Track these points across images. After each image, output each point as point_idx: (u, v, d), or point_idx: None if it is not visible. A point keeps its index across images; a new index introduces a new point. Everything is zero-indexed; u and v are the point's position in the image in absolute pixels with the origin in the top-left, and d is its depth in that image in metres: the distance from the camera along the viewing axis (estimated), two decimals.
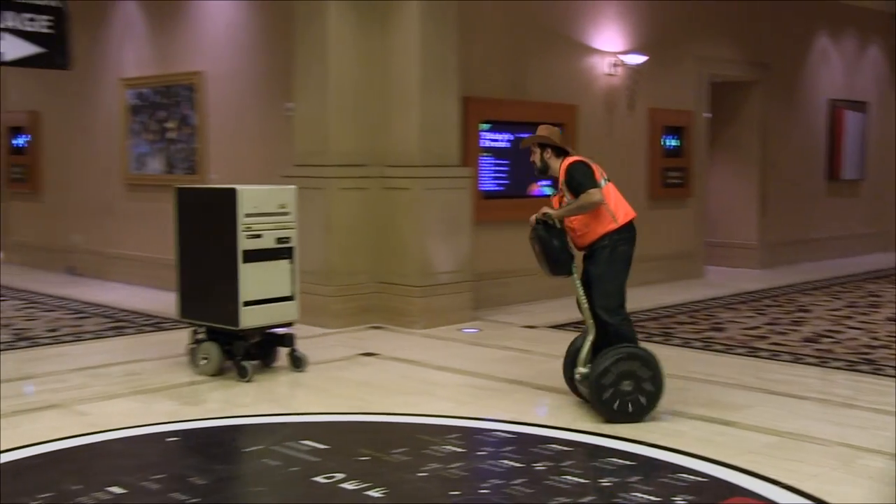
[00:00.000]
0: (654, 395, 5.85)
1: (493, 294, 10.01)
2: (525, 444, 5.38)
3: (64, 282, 12.27)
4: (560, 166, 6.10)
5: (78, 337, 8.66)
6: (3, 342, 8.37)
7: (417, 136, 8.98)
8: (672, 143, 12.41)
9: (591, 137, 11.14)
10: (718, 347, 8.26)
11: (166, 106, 11.43)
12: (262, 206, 7.00)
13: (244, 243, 6.87)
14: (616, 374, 5.77)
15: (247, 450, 5.38)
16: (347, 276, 9.03)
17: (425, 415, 6.00)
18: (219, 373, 7.10)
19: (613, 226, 6.00)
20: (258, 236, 6.95)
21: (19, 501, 4.44)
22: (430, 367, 7.43)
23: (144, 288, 11.55)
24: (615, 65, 11.43)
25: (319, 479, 4.74)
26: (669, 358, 7.73)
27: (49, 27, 10.17)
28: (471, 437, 5.61)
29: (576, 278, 6.06)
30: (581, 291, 6.05)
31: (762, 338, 8.67)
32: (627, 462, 5.08)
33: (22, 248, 14.09)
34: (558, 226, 6.04)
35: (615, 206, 6.04)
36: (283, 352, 7.40)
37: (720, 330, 9.07)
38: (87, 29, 11.87)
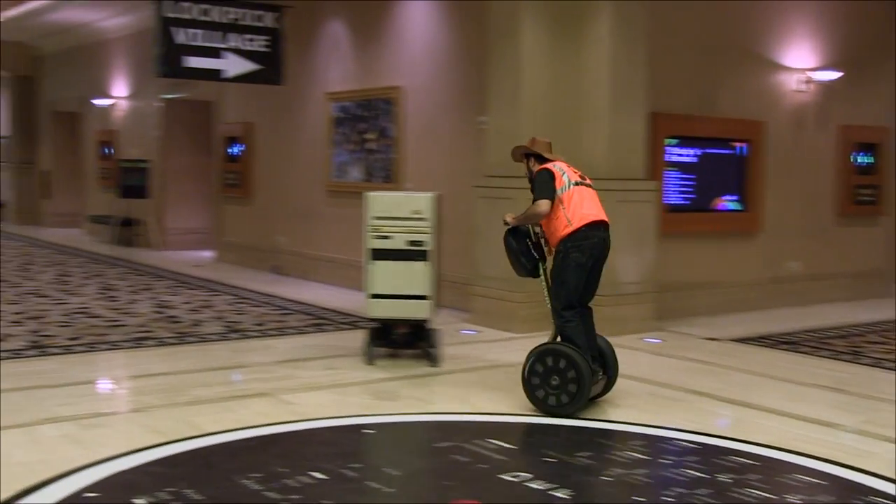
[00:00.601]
0: (577, 394, 5.94)
1: (676, 306, 9.79)
2: (708, 455, 5.23)
3: (270, 280, 12.75)
4: None
5: (282, 331, 8.97)
6: (217, 333, 8.76)
7: (606, 150, 8.88)
8: (864, 159, 11.83)
9: (780, 153, 10.77)
10: None
11: (367, 118, 11.72)
12: (393, 210, 7.40)
13: (372, 243, 7.40)
14: (544, 368, 6.02)
15: (437, 445, 5.44)
16: (534, 283, 8.97)
17: (609, 420, 5.92)
18: (369, 361, 7.50)
19: (568, 230, 6.12)
20: (387, 237, 7.37)
21: (233, 478, 4.63)
22: (631, 378, 7.30)
23: (342, 288, 11.85)
24: (805, 81, 11.00)
25: (507, 476, 4.74)
26: (856, 376, 7.38)
27: (266, 46, 10.64)
28: (654, 445, 5.49)
29: (541, 280, 6.29)
30: (545, 292, 6.28)
31: None
32: (816, 480, 4.86)
33: (233, 247, 14.73)
34: (523, 230, 6.29)
35: (573, 211, 6.15)
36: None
37: None
38: (296, 47, 12.31)
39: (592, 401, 6.24)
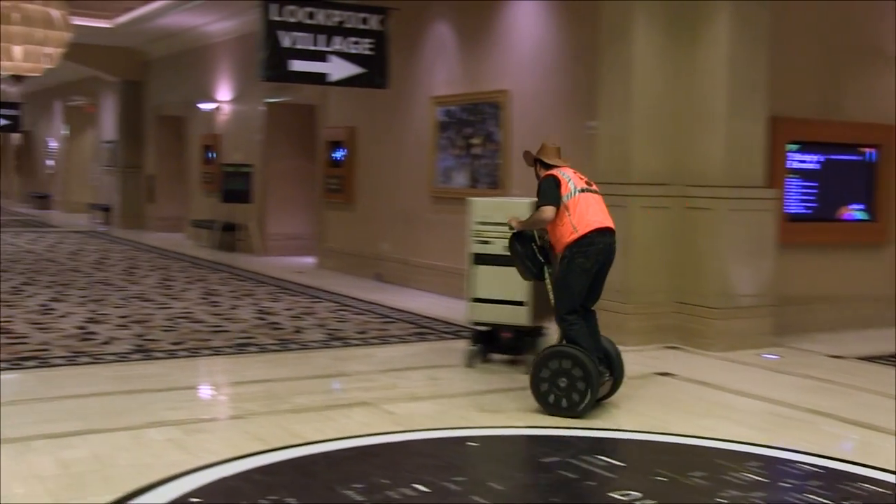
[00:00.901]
0: (585, 393, 6.15)
1: (797, 320, 9.55)
2: (833, 480, 5.08)
3: (372, 287, 12.88)
4: None
5: (384, 340, 9.05)
6: (319, 341, 8.88)
7: (722, 156, 8.74)
8: None
9: None
10: None
11: (473, 123, 11.75)
12: (494, 215, 7.59)
13: (474, 247, 7.66)
14: (551, 371, 6.23)
15: (544, 460, 5.41)
16: (646, 294, 8.91)
17: (723, 439, 5.80)
18: (468, 364, 7.78)
19: (574, 237, 6.33)
20: (488, 242, 7.61)
21: (335, 489, 4.68)
22: (728, 391, 7.19)
23: (445, 296, 11.91)
24: None
25: (616, 495, 4.69)
26: None
27: (371, 49, 10.76)
28: (772, 467, 5.37)
29: (547, 282, 6.57)
30: (550, 295, 6.53)
31: None
32: None
33: (335, 254, 14.92)
34: (528, 234, 6.61)
35: (578, 218, 6.36)
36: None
37: None
38: (401, 50, 12.43)
39: (599, 402, 6.47)
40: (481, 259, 7.67)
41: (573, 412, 6.18)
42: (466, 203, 7.83)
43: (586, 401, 6.17)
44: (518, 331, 7.71)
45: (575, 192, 6.45)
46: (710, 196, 8.77)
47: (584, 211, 6.40)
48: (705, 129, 8.86)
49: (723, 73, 8.73)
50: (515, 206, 7.54)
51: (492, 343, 7.82)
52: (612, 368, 6.58)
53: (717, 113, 8.77)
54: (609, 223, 6.49)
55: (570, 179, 6.52)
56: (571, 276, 6.34)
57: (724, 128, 8.74)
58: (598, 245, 6.36)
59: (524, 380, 7.35)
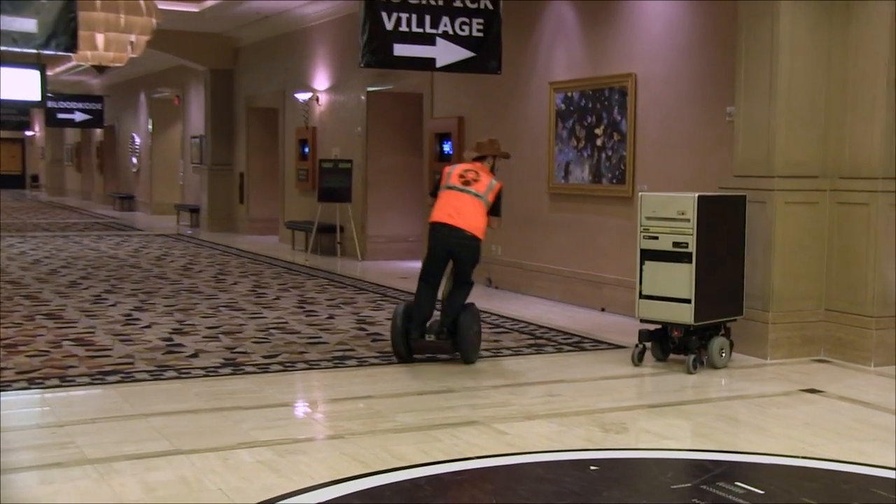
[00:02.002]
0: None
1: None
2: None
3: (482, 294, 12.90)
4: None
5: (496, 352, 9.09)
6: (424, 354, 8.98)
7: (880, 144, 8.56)
8: None
9: None
10: None
11: (596, 111, 11.73)
12: (660, 210, 8.39)
13: (643, 243, 8.50)
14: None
15: (675, 487, 5.39)
16: (791, 301, 8.78)
17: (882, 466, 5.70)
18: (635, 362, 8.51)
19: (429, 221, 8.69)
20: (655, 238, 8.41)
21: None
22: (887, 410, 7.04)
23: (563, 304, 11.91)
24: None
25: None
26: None
27: (481, 31, 10.82)
28: None
29: None
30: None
31: None
32: None
33: None
34: None
35: (434, 209, 8.64)
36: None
37: None
38: (515, 31, 12.48)
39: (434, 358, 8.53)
40: (649, 255, 8.45)
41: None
42: (638, 197, 8.72)
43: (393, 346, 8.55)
44: (687, 329, 8.28)
45: (444, 188, 8.64)
46: (866, 189, 8.60)
47: (438, 204, 8.61)
48: (861, 115, 8.69)
49: (884, 48, 8.54)
50: (678, 201, 8.29)
51: (662, 341, 8.54)
52: (459, 336, 8.44)
53: (876, 95, 8.59)
54: (447, 220, 8.47)
55: (450, 174, 8.66)
56: (427, 251, 8.70)
57: (884, 112, 8.55)
58: (436, 235, 8.57)
59: (653, 397, 7.34)
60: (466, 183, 8.57)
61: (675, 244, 8.31)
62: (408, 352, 8.53)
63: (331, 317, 10.99)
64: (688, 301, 8.22)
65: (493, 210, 8.69)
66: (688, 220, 8.23)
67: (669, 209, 8.37)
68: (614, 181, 11.42)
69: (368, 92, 17.27)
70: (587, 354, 9.10)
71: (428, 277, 8.67)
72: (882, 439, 6.33)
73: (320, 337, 9.72)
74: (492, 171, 8.82)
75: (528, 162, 12.98)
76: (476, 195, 8.56)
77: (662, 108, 10.81)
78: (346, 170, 17.42)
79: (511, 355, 9.02)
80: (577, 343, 9.56)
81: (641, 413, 6.96)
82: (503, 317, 11.08)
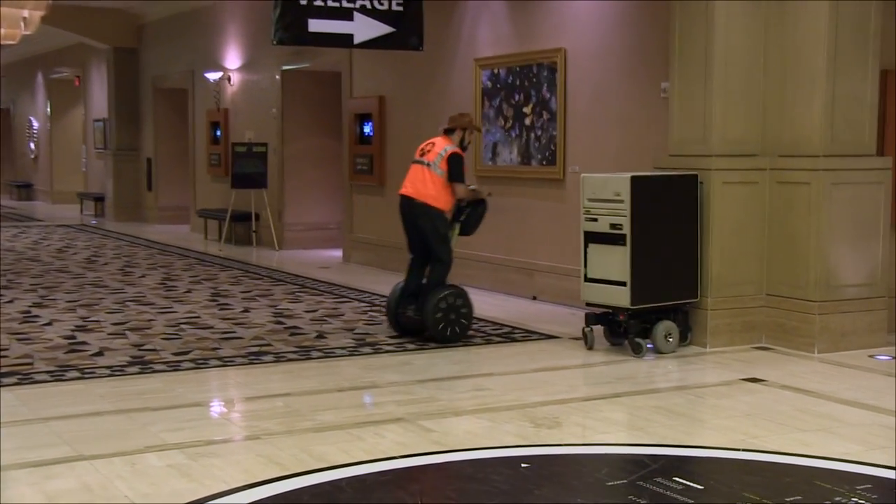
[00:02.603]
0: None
1: None
2: None
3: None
4: None
5: (422, 345, 9.07)
6: (346, 347, 8.94)
7: (821, 120, 8.65)
8: None
9: None
10: None
11: (524, 88, 11.74)
12: (599, 191, 8.59)
13: (584, 225, 8.71)
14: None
15: (610, 483, 5.41)
16: (730, 286, 8.86)
17: (826, 458, 5.77)
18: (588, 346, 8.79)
19: None
20: (595, 220, 8.62)
21: None
22: (832, 399, 7.14)
23: (496, 293, 11.92)
24: None
25: None
26: None
27: (400, 4, 10.76)
28: (887, 490, 5.32)
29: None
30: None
31: None
32: None
33: (365, 245, 14.99)
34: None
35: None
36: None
37: None
38: (438, 5, 12.43)
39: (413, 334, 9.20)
40: (591, 237, 8.70)
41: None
42: (580, 180, 8.90)
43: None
44: (632, 314, 8.48)
45: (414, 161, 9.42)
46: (807, 168, 8.69)
47: (407, 178, 9.40)
48: (801, 90, 8.77)
49: (823, 21, 8.63)
50: (614, 182, 8.51)
51: (611, 325, 8.75)
52: (422, 308, 9.10)
53: (815, 68, 8.67)
54: (404, 191, 9.33)
55: (418, 150, 9.46)
56: None
57: (824, 85, 8.64)
58: (400, 208, 9.36)
59: (587, 388, 7.37)
60: (422, 154, 9.37)
61: (612, 226, 8.50)
62: (396, 325, 9.42)
63: (246, 310, 10.90)
64: (624, 284, 8.44)
65: (451, 177, 9.22)
66: (622, 202, 8.40)
67: (606, 190, 8.57)
68: (544, 162, 11.45)
69: (283, 71, 17.14)
70: (518, 346, 9.12)
71: (411, 252, 9.50)
72: (826, 429, 6.41)
73: (234, 332, 9.63)
74: (461, 144, 9.44)
75: None
76: (427, 164, 9.26)
77: (594, 84, 10.84)
78: (261, 154, 17.30)
79: (438, 348, 8.99)
80: (508, 334, 9.57)
81: (575, 406, 6.97)
82: None
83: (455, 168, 9.23)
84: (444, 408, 6.91)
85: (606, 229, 8.55)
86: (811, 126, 8.71)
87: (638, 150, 10.10)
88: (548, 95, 11.38)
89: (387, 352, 8.83)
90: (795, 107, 8.80)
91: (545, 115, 11.43)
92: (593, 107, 10.86)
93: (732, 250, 8.87)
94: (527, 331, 9.70)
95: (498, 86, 12.14)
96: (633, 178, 8.44)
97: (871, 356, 8.52)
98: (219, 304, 11.28)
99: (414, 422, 6.50)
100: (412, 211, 9.26)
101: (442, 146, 9.32)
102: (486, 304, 11.15)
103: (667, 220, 8.64)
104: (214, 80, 19.24)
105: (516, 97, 11.86)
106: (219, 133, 19.47)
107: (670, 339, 8.56)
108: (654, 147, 9.73)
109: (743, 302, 8.92)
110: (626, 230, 8.40)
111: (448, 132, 9.49)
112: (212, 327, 9.86)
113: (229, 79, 19.02)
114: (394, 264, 14.02)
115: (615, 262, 8.50)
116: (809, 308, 8.67)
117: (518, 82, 11.82)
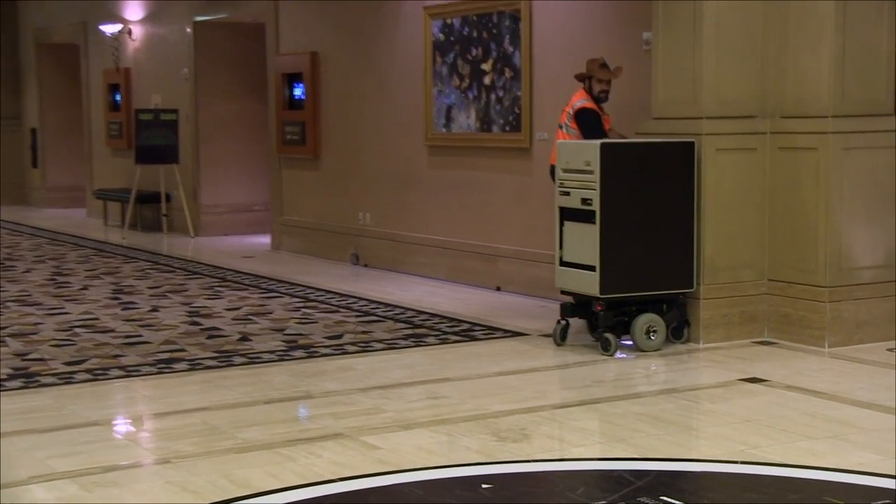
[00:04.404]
0: None
1: None
2: None
3: (348, 274, 12.93)
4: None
5: (365, 347, 9.09)
6: (274, 352, 8.93)
7: (829, 76, 8.72)
8: None
9: None
10: None
11: (482, 41, 11.75)
12: (573, 161, 8.71)
13: (559, 200, 8.83)
14: None
15: None
16: (726, 271, 8.92)
17: (838, 469, 5.84)
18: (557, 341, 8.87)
19: None
20: (568, 194, 8.74)
21: None
22: (845, 401, 7.23)
23: (450, 284, 11.95)
24: None
25: None
26: None
27: None
28: None
29: None
30: None
31: None
32: None
33: (296, 229, 14.96)
34: None
35: None
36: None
37: None
38: None
39: None
40: (566, 214, 8.79)
41: None
42: (557, 146, 9.07)
43: None
44: (612, 304, 8.57)
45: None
46: (814, 131, 8.75)
47: None
48: (806, 40, 8.83)
49: None
50: (584, 150, 8.64)
51: (589, 317, 8.85)
52: None
53: (821, 16, 8.74)
54: (552, 159, 9.28)
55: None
56: None
57: (832, 36, 8.70)
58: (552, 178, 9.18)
59: (566, 391, 7.40)
60: (562, 113, 9.55)
61: (583, 201, 8.60)
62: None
63: (154, 309, 10.86)
64: (592, 269, 8.53)
65: (585, 137, 9.17)
66: (592, 173, 8.51)
67: (578, 159, 8.66)
68: (507, 128, 11.46)
69: (196, 23, 17.04)
70: (479, 345, 9.15)
71: None
72: (838, 436, 6.48)
73: (141, 336, 9.59)
74: (593, 95, 9.41)
75: (399, 107, 12.96)
76: (559, 126, 9.50)
77: (564, 35, 10.86)
78: (171, 122, 17.20)
79: (384, 350, 9.01)
80: (467, 331, 9.60)
81: (546, 415, 7.00)
82: (374, 302, 11.08)
83: (585, 127, 9.24)
84: (392, 420, 6.91)
85: (578, 205, 8.64)
86: (818, 81, 8.77)
87: (617, 114, 10.10)
88: (510, 49, 11.40)
89: (323, 355, 8.83)
90: (799, 60, 8.86)
91: (507, 73, 11.45)
92: (564, 62, 10.86)
93: (728, 229, 8.93)
94: (489, 327, 9.74)
95: (452, 38, 12.14)
96: (602, 145, 8.51)
97: (890, 350, 8.62)
98: (121, 304, 11.22)
99: (355, 438, 6.51)
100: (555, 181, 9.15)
101: (573, 102, 9.40)
102: (440, 297, 11.17)
103: (651, 196, 8.68)
104: (112, 35, 19.10)
105: (473, 52, 11.87)
106: (119, 98, 19.35)
107: (653, 336, 8.60)
108: (637, 108, 9.75)
109: (741, 289, 8.98)
110: (596, 206, 8.49)
111: (582, 80, 9.55)
112: (113, 331, 9.81)
113: (130, 32, 18.89)
114: (331, 252, 14.04)
115: (588, 243, 8.58)
116: (818, 295, 8.74)
117: (475, 34, 11.82)
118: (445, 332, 9.61)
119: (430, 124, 12.52)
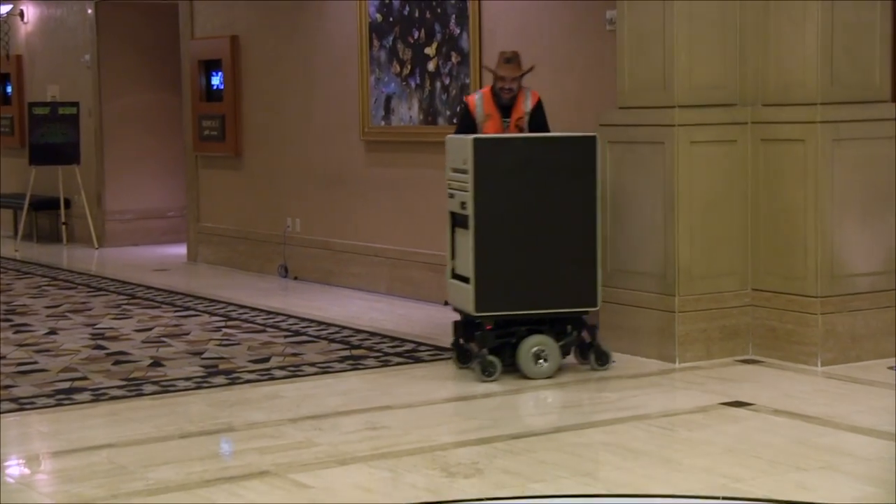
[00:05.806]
0: None
1: None
2: None
3: (274, 289, 12.88)
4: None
5: (295, 371, 9.07)
6: (191, 378, 8.87)
7: (816, 59, 8.77)
8: None
9: None
10: None
11: (425, 22, 11.74)
12: (458, 159, 8.67)
13: (449, 203, 8.87)
14: None
15: None
16: (704, 280, 8.95)
17: None
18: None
19: None
20: (452, 196, 8.79)
21: None
22: (840, 427, 7.25)
23: (392, 297, 11.95)
24: None
25: None
26: None
27: None
28: None
29: None
30: None
31: None
32: None
33: (215, 238, 14.91)
34: None
35: None
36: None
37: None
38: None
39: None
40: (455, 220, 8.78)
41: None
42: (447, 142, 9.02)
43: None
44: (504, 322, 8.57)
45: None
46: (801, 120, 8.80)
47: None
48: (790, 19, 8.88)
49: None
50: (464, 146, 8.51)
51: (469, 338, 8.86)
52: None
53: None
54: None
55: None
56: None
57: (818, 14, 8.76)
58: None
59: (524, 418, 7.39)
60: None
61: (462, 205, 8.63)
62: None
63: (52, 332, 10.80)
64: (466, 281, 8.61)
65: None
66: (465, 172, 8.54)
67: (458, 157, 8.71)
68: (455, 120, 11.46)
69: (98, 3, 16.99)
70: (424, 368, 9.15)
71: None
72: (832, 467, 6.49)
73: (36, 362, 9.53)
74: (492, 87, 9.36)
75: (332, 99, 12.95)
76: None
77: (517, 14, 10.88)
78: (71, 117, 17.12)
79: (317, 374, 8.99)
80: (411, 352, 9.59)
81: (501, 447, 6.98)
82: (305, 319, 11.08)
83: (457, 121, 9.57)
84: (326, 455, 6.87)
85: (458, 209, 8.68)
86: (804, 65, 8.82)
87: (578, 103, 10.14)
88: (457, 31, 11.40)
89: (247, 382, 8.79)
90: (782, 41, 8.91)
91: (454, 58, 11.46)
92: (517, 46, 10.83)
93: (705, 233, 8.95)
94: (436, 347, 9.73)
95: (391, 19, 12.14)
96: (475, 140, 8.51)
97: (890, 368, 8.67)
98: (13, 326, 11.16)
99: (284, 475, 6.48)
100: None
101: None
102: (380, 313, 11.17)
103: (541, 200, 8.54)
104: (1, 17, 19.00)
105: (415, 34, 11.87)
106: (9, 89, 19.28)
107: (542, 362, 8.46)
108: (602, 96, 9.76)
109: (722, 300, 9.01)
110: (470, 210, 8.48)
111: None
112: (3, 357, 9.73)
113: (22, 14, 18.83)
114: (256, 263, 14.01)
115: (467, 252, 8.58)
116: (809, 306, 8.78)
117: (417, 14, 11.83)
118: (386, 354, 9.60)
119: (366, 117, 12.52)
